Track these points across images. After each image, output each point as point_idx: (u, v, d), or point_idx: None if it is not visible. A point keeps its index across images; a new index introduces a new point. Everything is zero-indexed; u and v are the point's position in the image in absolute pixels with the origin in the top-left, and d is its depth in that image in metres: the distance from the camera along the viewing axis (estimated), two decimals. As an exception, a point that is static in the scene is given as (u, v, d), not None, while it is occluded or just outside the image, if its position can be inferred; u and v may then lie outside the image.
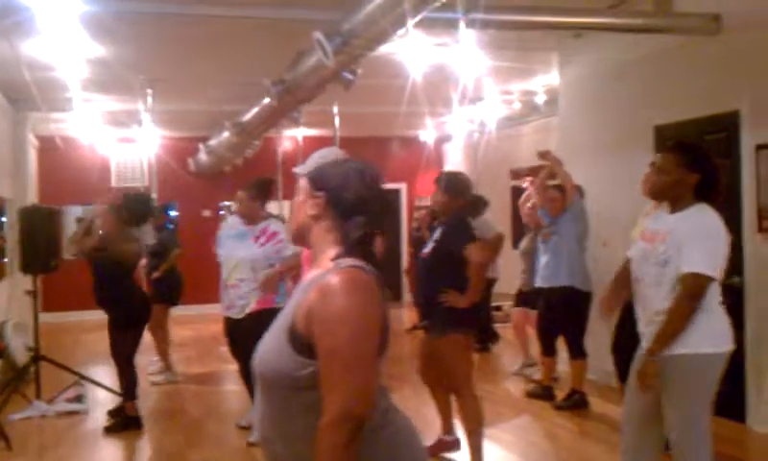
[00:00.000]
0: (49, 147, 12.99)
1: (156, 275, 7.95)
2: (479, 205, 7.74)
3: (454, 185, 4.98)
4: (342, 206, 1.95)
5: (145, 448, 5.99)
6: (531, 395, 6.81)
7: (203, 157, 11.89)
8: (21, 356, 7.70)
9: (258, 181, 5.71)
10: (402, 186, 15.41)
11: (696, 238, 3.32)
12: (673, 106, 6.43)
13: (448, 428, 5.25)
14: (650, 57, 6.69)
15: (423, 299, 5.00)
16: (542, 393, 6.70)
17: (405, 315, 12.26)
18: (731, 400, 5.85)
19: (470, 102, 11.32)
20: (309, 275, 1.96)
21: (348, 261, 1.87)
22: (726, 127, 5.91)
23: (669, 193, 3.50)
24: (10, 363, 7.71)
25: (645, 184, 4.42)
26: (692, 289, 3.31)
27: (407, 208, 15.26)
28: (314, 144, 12.80)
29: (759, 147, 5.60)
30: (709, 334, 3.37)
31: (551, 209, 6.54)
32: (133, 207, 6.23)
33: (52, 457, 5.65)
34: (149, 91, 8.95)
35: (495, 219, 8.90)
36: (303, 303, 1.84)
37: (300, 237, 2.02)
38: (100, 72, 8.25)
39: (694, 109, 6.19)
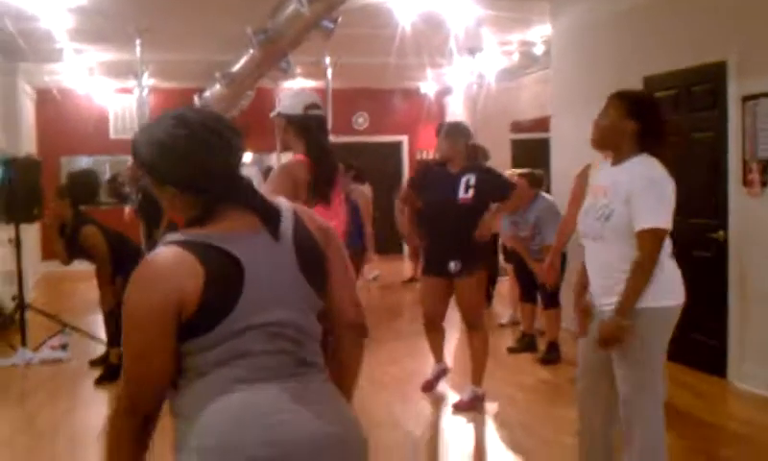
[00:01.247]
0: (46, 98, 12.96)
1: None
2: (479, 154, 7.65)
3: (455, 131, 5.21)
4: (155, 179, 1.76)
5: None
6: (513, 350, 6.77)
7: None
8: (9, 305, 7.74)
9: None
10: (404, 139, 15.31)
11: (642, 191, 3.21)
12: (662, 56, 6.28)
13: (440, 358, 5.71)
14: (640, 7, 6.53)
15: (456, 242, 5.14)
16: (525, 346, 6.68)
17: (404, 267, 12.33)
18: (713, 355, 5.82)
19: (469, 53, 11.18)
20: None
21: (169, 238, 1.70)
22: (713, 78, 5.77)
23: (608, 142, 3.39)
24: (-3, 312, 7.77)
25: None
26: (650, 245, 3.22)
27: (408, 161, 15.17)
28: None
29: (745, 98, 5.47)
30: (664, 288, 3.29)
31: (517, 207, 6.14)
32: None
33: (32, 403, 5.70)
34: (138, 41, 8.84)
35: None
36: None
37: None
38: (86, 22, 8.16)
39: (682, 59, 6.05)
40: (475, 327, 5.32)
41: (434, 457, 4.67)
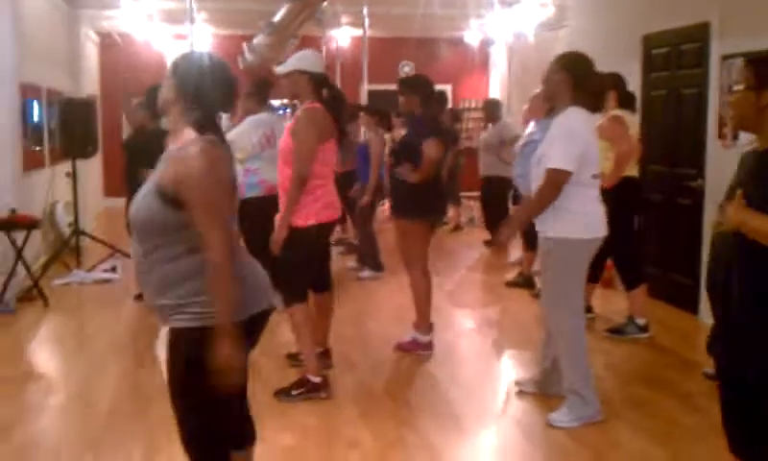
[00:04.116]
0: (108, 43, 13.84)
1: None
2: (440, 101, 8.10)
3: (409, 85, 5.48)
4: (192, 94, 2.49)
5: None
6: (511, 284, 7.39)
7: (247, 55, 12.50)
8: (68, 232, 8.66)
9: (257, 80, 6.30)
10: (448, 87, 15.74)
11: (557, 137, 3.82)
12: (658, 16, 6.70)
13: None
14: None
15: (392, 188, 5.59)
16: (523, 282, 7.27)
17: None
18: (685, 293, 6.34)
19: (507, 4, 11.59)
20: (171, 146, 2.56)
21: (204, 138, 2.45)
22: (699, 37, 6.19)
23: (550, 97, 3.98)
24: (57, 237, 8.70)
25: None
26: (549, 181, 3.84)
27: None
28: (356, 43, 13.27)
29: (724, 57, 5.89)
30: (578, 223, 3.89)
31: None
32: None
33: (79, 314, 6.60)
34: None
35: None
36: (170, 168, 2.45)
37: (166, 111, 2.58)
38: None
39: (675, 19, 6.47)
40: (407, 269, 5.44)
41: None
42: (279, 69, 4.66)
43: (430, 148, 5.15)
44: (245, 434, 2.81)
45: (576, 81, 3.89)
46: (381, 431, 4.03)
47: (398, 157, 5.35)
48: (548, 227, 3.92)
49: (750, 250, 2.38)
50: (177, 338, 2.42)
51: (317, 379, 4.45)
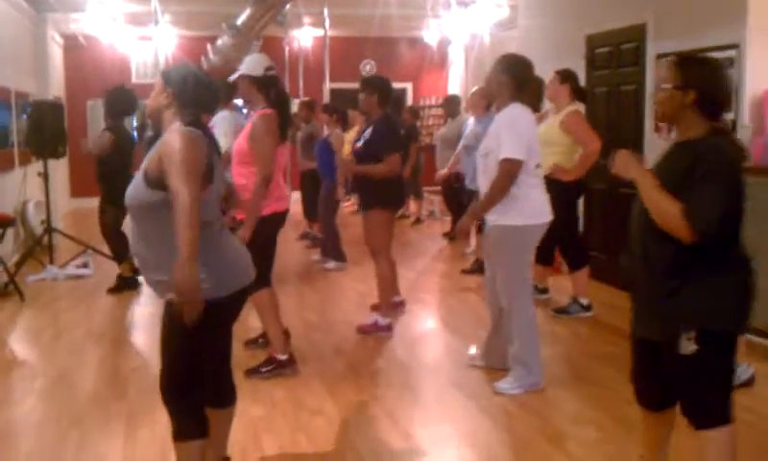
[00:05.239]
0: (73, 45, 14.05)
1: None
2: (396, 102, 8.52)
3: (368, 85, 5.83)
4: (181, 99, 2.87)
5: (136, 304, 7.13)
6: (467, 271, 7.82)
7: (212, 56, 12.78)
8: (39, 230, 8.91)
9: (221, 81, 6.62)
10: (408, 86, 16.17)
11: (505, 130, 4.22)
12: (600, 17, 7.17)
13: (396, 291, 6.34)
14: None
15: (357, 184, 6.01)
16: (478, 268, 7.69)
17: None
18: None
19: (464, 5, 12.03)
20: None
21: (186, 127, 2.80)
22: (636, 38, 6.66)
23: (495, 95, 4.39)
24: (30, 235, 8.95)
25: None
26: (504, 170, 4.23)
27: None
28: (318, 43, 13.60)
29: (659, 56, 6.36)
30: (523, 209, 4.30)
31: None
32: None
33: (55, 308, 6.87)
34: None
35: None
36: (155, 154, 2.80)
37: (155, 116, 2.96)
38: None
39: (615, 20, 6.94)
40: (373, 256, 5.86)
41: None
42: (231, 77, 5.00)
43: (390, 165, 5.62)
44: (226, 394, 3.20)
45: (517, 84, 4.31)
46: (343, 401, 4.42)
47: (362, 161, 5.76)
48: (497, 215, 4.32)
49: (656, 227, 2.76)
50: (171, 308, 2.77)
51: (283, 357, 4.83)
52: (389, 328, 5.81)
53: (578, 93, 6.14)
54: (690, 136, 2.75)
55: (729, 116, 5.52)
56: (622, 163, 2.77)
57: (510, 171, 4.22)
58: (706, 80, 2.75)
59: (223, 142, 6.20)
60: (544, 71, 6.14)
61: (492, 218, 4.39)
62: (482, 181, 4.47)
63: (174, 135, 2.74)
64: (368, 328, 5.81)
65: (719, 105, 2.80)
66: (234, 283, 2.88)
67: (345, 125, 8.73)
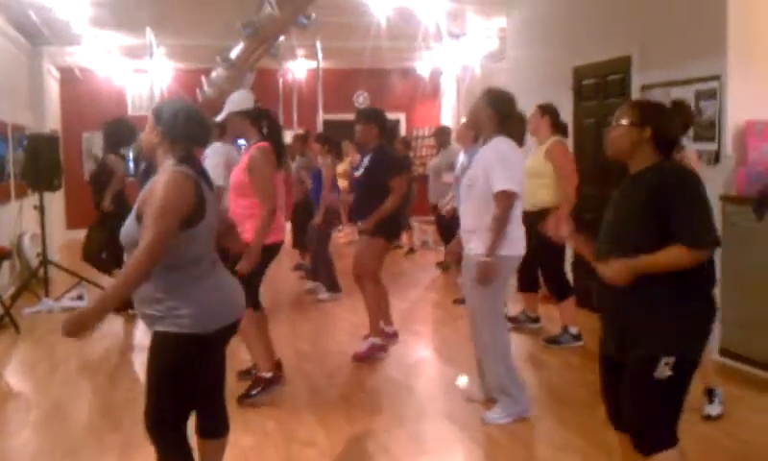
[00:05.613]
0: (69, 78, 14.20)
1: None
2: (391, 132, 8.67)
3: (365, 117, 5.97)
4: (171, 135, 2.95)
5: (131, 335, 7.18)
6: (458, 301, 7.80)
7: (206, 89, 12.95)
8: (35, 262, 8.96)
9: (216, 113, 6.74)
10: (401, 117, 16.31)
11: (497, 163, 4.30)
12: (587, 50, 7.31)
13: (389, 321, 6.41)
14: (569, 3, 7.56)
15: (357, 209, 6.11)
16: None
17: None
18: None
19: (455, 37, 12.19)
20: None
21: (175, 167, 2.88)
22: (621, 69, 6.79)
23: (481, 126, 4.49)
24: (26, 267, 9.01)
25: None
26: (504, 203, 4.31)
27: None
28: (312, 75, 13.73)
29: (644, 87, 6.48)
30: (507, 241, 4.37)
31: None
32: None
33: (50, 340, 6.91)
34: (148, 29, 9.98)
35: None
36: (144, 193, 2.89)
37: (151, 151, 3.05)
38: (102, 12, 9.30)
39: (602, 52, 7.07)
40: (358, 280, 6.02)
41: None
42: (218, 118, 5.10)
43: (399, 189, 5.80)
44: (219, 424, 3.26)
45: (501, 119, 4.41)
46: (336, 432, 4.47)
47: (362, 188, 5.89)
48: (479, 246, 4.37)
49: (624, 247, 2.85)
50: (158, 340, 2.88)
51: (269, 375, 4.91)
52: (384, 349, 5.94)
53: (558, 127, 6.28)
54: (645, 166, 2.89)
55: (712, 147, 5.66)
56: (614, 275, 2.82)
57: (507, 203, 4.30)
58: (660, 119, 2.92)
59: (214, 174, 6.34)
60: (533, 101, 6.30)
61: (475, 249, 4.42)
62: (464, 210, 4.54)
63: (161, 178, 2.82)
64: (364, 354, 5.89)
65: (671, 143, 2.96)
66: (222, 319, 2.96)
67: (338, 155, 8.84)
